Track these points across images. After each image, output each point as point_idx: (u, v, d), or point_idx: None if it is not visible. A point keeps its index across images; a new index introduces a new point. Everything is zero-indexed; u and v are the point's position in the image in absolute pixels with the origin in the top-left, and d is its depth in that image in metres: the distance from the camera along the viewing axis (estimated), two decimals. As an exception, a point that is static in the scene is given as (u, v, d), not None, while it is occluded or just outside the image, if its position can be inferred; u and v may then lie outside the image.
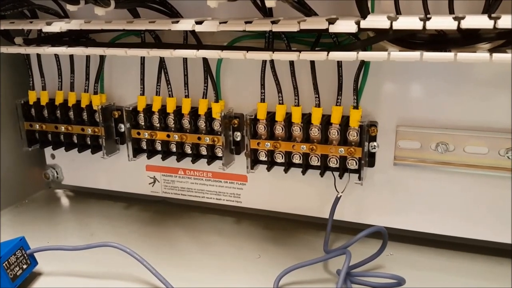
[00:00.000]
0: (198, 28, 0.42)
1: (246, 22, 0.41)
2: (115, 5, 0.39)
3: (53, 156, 0.65)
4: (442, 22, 0.35)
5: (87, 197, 0.67)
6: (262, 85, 0.49)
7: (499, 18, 0.34)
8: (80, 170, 0.65)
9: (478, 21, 0.34)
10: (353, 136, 0.46)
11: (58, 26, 0.46)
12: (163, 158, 0.56)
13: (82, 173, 0.65)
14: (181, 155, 0.55)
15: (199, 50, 0.44)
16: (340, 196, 0.48)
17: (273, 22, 0.41)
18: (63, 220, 0.61)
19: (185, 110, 0.53)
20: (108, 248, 0.45)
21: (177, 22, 0.43)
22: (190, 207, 0.61)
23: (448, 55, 0.36)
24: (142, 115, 0.54)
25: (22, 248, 0.46)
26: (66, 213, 0.64)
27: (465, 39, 0.38)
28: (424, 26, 0.35)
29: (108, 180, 0.64)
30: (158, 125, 0.54)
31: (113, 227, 0.58)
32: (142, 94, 0.55)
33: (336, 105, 0.47)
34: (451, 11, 0.41)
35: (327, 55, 0.39)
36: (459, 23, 0.34)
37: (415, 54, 0.37)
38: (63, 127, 0.58)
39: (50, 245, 0.48)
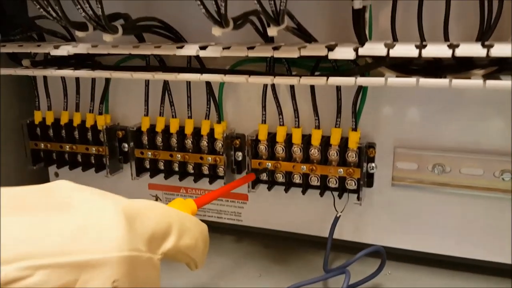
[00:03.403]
0: (202, 54, 0.43)
1: (248, 48, 0.43)
2: (122, 32, 0.40)
3: (56, 174, 0.66)
4: (437, 50, 0.36)
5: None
6: (263, 107, 0.51)
7: (492, 46, 0.35)
8: (83, 188, 0.65)
9: (472, 50, 0.35)
10: (352, 157, 0.47)
11: (65, 50, 0.48)
12: (166, 177, 0.57)
13: (85, 191, 0.65)
14: (183, 174, 0.56)
15: (203, 74, 0.45)
16: (340, 215, 0.49)
17: (274, 48, 0.42)
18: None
19: (188, 130, 0.54)
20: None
21: (182, 47, 0.45)
22: (191, 226, 0.62)
23: (443, 82, 0.37)
24: (146, 135, 0.56)
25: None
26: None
27: (460, 66, 0.40)
28: (420, 53, 0.36)
29: (110, 198, 0.65)
30: (161, 145, 0.55)
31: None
32: (146, 114, 0.56)
33: (335, 127, 0.48)
34: (446, 37, 0.42)
35: (327, 80, 0.41)
36: (453, 52, 0.36)
37: (411, 81, 0.38)
38: (67, 147, 0.59)
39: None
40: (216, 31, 0.35)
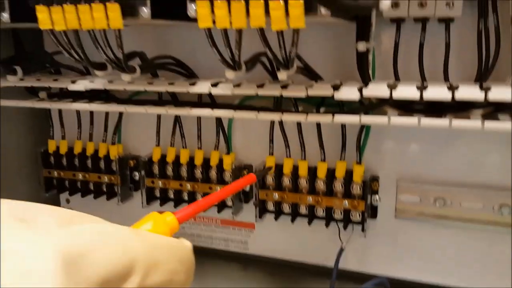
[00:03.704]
0: (214, 91, 0.45)
1: (258, 86, 0.45)
2: (140, 72, 0.43)
3: (68, 201, 0.68)
4: (437, 93, 0.38)
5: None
6: (271, 140, 0.53)
7: (489, 89, 0.37)
8: (93, 215, 0.67)
9: (470, 93, 0.37)
10: (356, 190, 0.49)
11: (82, 85, 0.50)
12: (175, 206, 0.59)
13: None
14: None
15: (214, 110, 0.48)
16: (344, 246, 0.51)
17: (282, 87, 0.44)
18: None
19: (198, 161, 0.56)
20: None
21: (194, 84, 0.47)
22: (198, 253, 0.63)
23: (443, 122, 0.39)
24: (157, 165, 0.58)
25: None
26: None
27: (460, 106, 0.42)
28: (421, 96, 0.39)
29: (120, 224, 0.66)
30: (171, 174, 0.57)
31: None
32: (158, 145, 0.58)
33: (341, 160, 0.50)
34: (446, 77, 0.45)
35: (333, 118, 0.43)
36: (453, 95, 0.38)
37: (413, 120, 0.40)
38: (80, 175, 0.61)
39: None
40: (230, 74, 0.37)
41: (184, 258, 0.26)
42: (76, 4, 0.36)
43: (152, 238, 0.25)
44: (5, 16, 0.42)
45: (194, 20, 0.35)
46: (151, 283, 0.23)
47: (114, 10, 0.35)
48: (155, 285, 0.24)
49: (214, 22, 0.34)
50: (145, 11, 0.36)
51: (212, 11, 0.33)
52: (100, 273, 0.21)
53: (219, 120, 0.55)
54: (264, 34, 0.34)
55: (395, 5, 0.41)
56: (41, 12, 0.38)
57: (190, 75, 0.53)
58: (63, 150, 0.62)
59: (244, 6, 0.32)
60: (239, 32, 0.34)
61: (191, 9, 0.34)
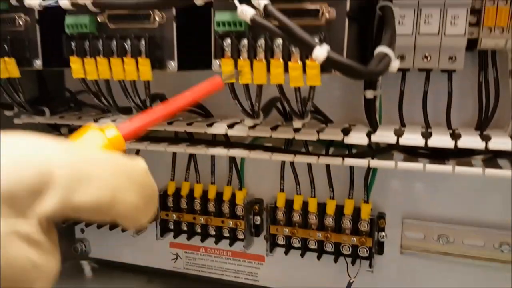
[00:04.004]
0: (230, 133, 0.48)
1: (272, 129, 0.48)
2: (162, 116, 0.45)
3: (82, 231, 0.70)
4: (441, 141, 0.41)
5: (111, 269, 0.71)
6: (282, 177, 0.56)
7: (489, 139, 0.40)
8: (108, 244, 0.69)
9: (472, 143, 0.40)
10: (364, 227, 0.52)
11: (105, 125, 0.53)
12: (188, 238, 0.61)
13: (109, 247, 0.69)
14: (205, 236, 0.60)
15: (230, 150, 0.50)
16: (352, 281, 0.53)
17: (295, 129, 0.47)
18: (90, 292, 0.65)
19: (211, 195, 0.59)
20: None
21: (211, 125, 0.50)
22: (209, 284, 0.66)
23: (447, 168, 0.42)
24: (171, 198, 0.60)
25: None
26: (91, 284, 0.68)
27: (462, 152, 0.45)
28: (426, 143, 0.41)
29: (132, 254, 0.68)
30: (185, 208, 0.60)
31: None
32: (172, 179, 0.61)
33: (349, 198, 0.53)
34: (449, 125, 0.47)
35: (343, 161, 0.46)
36: (455, 143, 0.41)
37: (418, 166, 0.43)
38: (97, 207, 0.64)
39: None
40: (249, 122, 0.40)
41: (132, 175, 0.22)
42: (108, 57, 0.39)
43: (79, 150, 0.21)
44: (38, 63, 0.45)
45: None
46: (82, 200, 0.20)
47: (145, 64, 0.38)
48: (90, 202, 0.20)
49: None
50: (173, 64, 0.39)
51: (236, 68, 0.36)
52: None
53: (232, 158, 0.57)
54: (283, 89, 0.37)
55: (401, 57, 0.44)
56: (75, 62, 0.41)
57: (207, 115, 0.56)
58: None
59: (265, 65, 0.35)
60: (260, 87, 0.37)
61: (215, 65, 0.37)
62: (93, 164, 0.20)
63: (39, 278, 0.19)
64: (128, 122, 0.23)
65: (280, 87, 0.37)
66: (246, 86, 0.38)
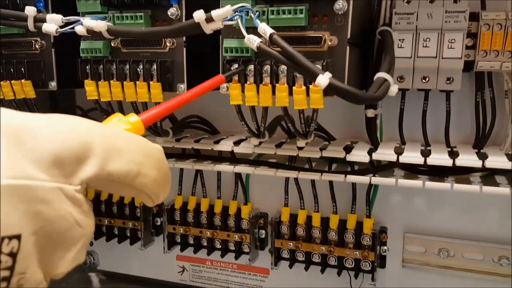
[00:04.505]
0: (236, 150, 0.50)
1: (276, 146, 0.50)
2: (172, 134, 0.47)
3: (91, 243, 0.72)
4: (439, 160, 0.43)
5: (118, 282, 0.72)
6: (286, 192, 0.57)
7: (486, 157, 0.42)
8: (115, 257, 0.71)
9: (469, 161, 0.42)
10: (366, 241, 0.53)
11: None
12: (195, 252, 0.62)
13: (117, 260, 0.71)
14: (211, 249, 0.62)
15: (236, 167, 0.52)
16: (355, 294, 0.54)
17: (299, 148, 0.49)
18: (98, 304, 0.67)
19: (217, 209, 0.60)
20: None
21: (218, 142, 0.52)
22: (215, 295, 0.67)
23: (445, 186, 0.44)
24: (178, 212, 0.62)
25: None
26: (100, 297, 0.69)
27: (460, 170, 0.46)
28: (425, 161, 0.43)
29: (140, 267, 0.70)
30: (192, 221, 0.62)
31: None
32: (180, 194, 0.62)
33: (351, 213, 0.54)
34: (447, 142, 0.49)
35: (345, 178, 0.47)
36: (454, 162, 0.42)
37: (418, 183, 0.45)
38: (106, 221, 0.66)
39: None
40: (254, 141, 0.42)
41: (152, 153, 0.25)
42: (122, 81, 0.41)
43: (111, 128, 0.25)
44: (53, 84, 0.47)
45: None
46: (115, 169, 0.22)
47: (156, 88, 0.40)
48: (120, 172, 0.23)
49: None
50: (182, 87, 0.41)
51: (242, 91, 0.38)
52: (49, 152, 0.20)
53: (238, 173, 0.59)
54: (287, 111, 0.39)
55: (400, 78, 0.46)
56: (89, 85, 0.43)
57: (213, 132, 0.58)
58: (90, 196, 0.66)
59: (270, 89, 0.37)
60: (265, 109, 0.39)
61: (223, 88, 0.39)
62: (123, 140, 0.23)
63: (82, 236, 0.22)
64: (146, 111, 0.28)
65: (284, 109, 0.39)
66: (253, 108, 0.40)
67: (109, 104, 0.45)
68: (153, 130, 0.45)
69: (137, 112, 0.45)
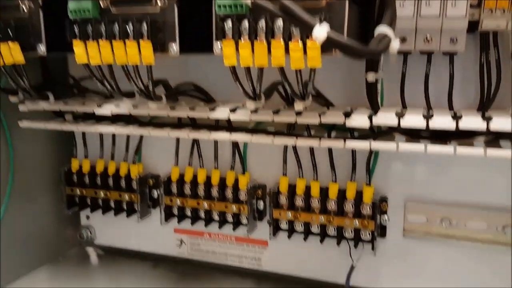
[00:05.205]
0: (233, 117, 0.49)
1: (274, 112, 0.48)
2: (165, 100, 0.46)
3: (87, 217, 0.71)
4: (442, 123, 0.41)
5: (116, 256, 0.72)
6: (284, 161, 0.56)
7: (491, 119, 0.40)
8: (113, 231, 0.70)
9: (473, 124, 0.40)
10: (366, 210, 0.52)
11: (109, 110, 0.53)
12: (192, 223, 0.61)
13: (114, 234, 0.70)
14: (209, 221, 0.61)
15: (232, 134, 0.51)
16: (355, 264, 0.53)
17: (297, 113, 0.47)
18: (96, 278, 0.66)
19: (214, 180, 0.59)
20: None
21: (214, 109, 0.50)
22: (213, 269, 0.66)
23: (448, 149, 0.42)
24: (175, 184, 0.61)
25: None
26: (97, 271, 0.69)
27: (464, 134, 0.45)
28: (427, 125, 0.42)
29: (138, 241, 0.69)
30: (189, 193, 0.60)
31: (142, 285, 0.63)
32: (176, 165, 0.61)
33: (351, 181, 0.53)
34: (450, 106, 0.48)
35: (344, 144, 0.46)
36: (457, 124, 0.41)
37: (420, 147, 0.43)
38: (102, 193, 0.64)
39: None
40: (250, 105, 0.41)
41: None
42: (111, 41, 0.39)
43: None
44: (42, 48, 0.46)
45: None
46: None
47: (147, 46, 0.39)
48: None
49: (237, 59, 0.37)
50: (174, 48, 0.39)
51: (237, 50, 0.37)
52: None
53: (235, 142, 0.58)
54: (284, 71, 0.37)
55: (402, 39, 0.44)
56: (78, 46, 0.41)
57: (209, 100, 0.56)
58: (86, 169, 0.65)
59: (266, 47, 0.35)
60: (261, 69, 0.38)
61: (217, 47, 0.38)
62: None
63: None
64: None
65: (281, 70, 0.38)
66: (248, 69, 0.38)
67: (100, 69, 0.44)
68: (145, 95, 0.43)
69: (129, 77, 0.43)
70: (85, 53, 0.41)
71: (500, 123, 0.40)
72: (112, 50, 0.40)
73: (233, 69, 0.38)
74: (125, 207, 0.65)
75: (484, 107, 0.46)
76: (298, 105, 0.40)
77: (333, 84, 0.53)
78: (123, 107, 0.54)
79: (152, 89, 0.42)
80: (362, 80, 0.46)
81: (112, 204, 0.65)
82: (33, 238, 0.67)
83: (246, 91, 0.39)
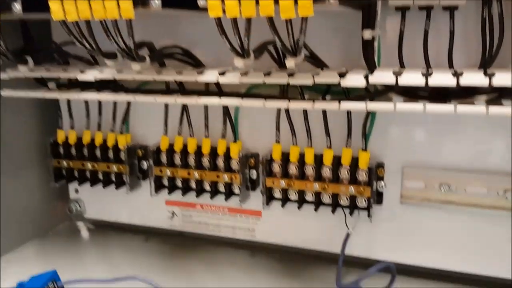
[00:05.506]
0: (222, 80, 0.46)
1: (265, 74, 0.46)
2: (149, 61, 0.43)
3: (76, 191, 0.69)
4: (442, 79, 0.39)
5: (107, 230, 0.70)
6: (277, 128, 0.54)
7: (493, 75, 0.38)
8: (102, 204, 0.68)
9: (475, 79, 0.38)
10: (362, 176, 0.50)
11: (92, 76, 0.51)
12: (183, 194, 0.60)
13: (104, 207, 0.68)
14: (200, 192, 0.59)
15: (222, 99, 0.48)
16: (351, 233, 0.52)
17: (289, 75, 0.45)
18: (86, 252, 0.65)
19: (205, 149, 0.57)
20: (133, 280, 0.48)
21: (202, 72, 0.48)
22: (206, 241, 0.65)
23: (448, 108, 0.40)
24: (165, 154, 0.59)
25: (54, 281, 0.49)
26: (88, 245, 0.67)
27: (464, 92, 0.42)
28: (426, 82, 0.39)
29: (128, 214, 0.67)
30: (179, 163, 0.58)
31: (134, 259, 0.61)
32: (165, 134, 0.59)
33: (346, 147, 0.51)
34: (450, 64, 0.45)
35: (339, 105, 0.44)
36: (457, 81, 0.38)
37: (418, 106, 0.41)
38: (89, 165, 0.62)
39: (79, 277, 0.51)
40: (238, 62, 0.38)
41: None
42: (88, -6, 0.37)
43: None
44: (18, 7, 0.43)
45: (203, 9, 0.35)
46: None
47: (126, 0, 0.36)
48: None
49: (223, 11, 0.34)
50: (156, 1, 0.37)
51: (222, 1, 0.34)
52: None
53: (226, 109, 0.55)
54: (273, 22, 0.35)
55: (400, -7, 0.42)
56: (54, 2, 0.38)
57: (197, 65, 0.54)
58: (72, 140, 0.63)
59: (253, -7, 0.33)
60: (248, 20, 0.35)
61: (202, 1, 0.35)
62: None
63: None
64: None
65: (270, 21, 0.35)
66: (234, 21, 0.35)
67: (78, 26, 0.41)
68: (127, 54, 0.41)
69: (108, 35, 0.40)
70: (61, 8, 0.39)
71: (503, 78, 0.37)
72: (90, 5, 0.37)
73: (218, 21, 0.36)
74: (114, 179, 0.63)
75: (486, 64, 0.43)
76: (290, 62, 0.38)
77: (328, 47, 0.51)
78: (107, 72, 0.51)
79: (134, 47, 0.39)
80: (358, 42, 0.44)
81: (101, 176, 0.63)
82: (21, 212, 0.65)
83: (234, 47, 0.37)
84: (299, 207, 0.54)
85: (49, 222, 0.70)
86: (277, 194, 0.55)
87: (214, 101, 0.49)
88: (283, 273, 0.57)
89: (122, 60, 0.45)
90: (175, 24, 0.57)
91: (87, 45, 0.41)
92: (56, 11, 0.39)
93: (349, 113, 0.50)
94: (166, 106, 0.58)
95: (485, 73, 0.39)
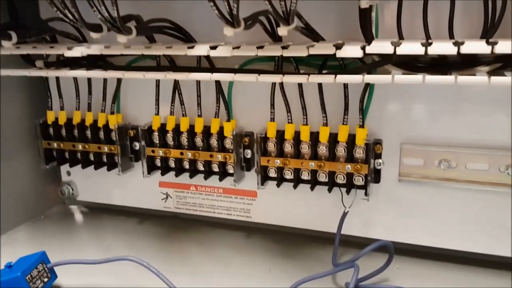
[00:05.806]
0: (212, 54, 0.44)
1: (258, 47, 0.44)
2: (136, 33, 0.41)
3: (68, 173, 0.68)
4: (443, 48, 0.37)
5: (101, 213, 0.69)
6: (272, 105, 0.52)
7: (496, 43, 0.36)
8: (95, 186, 0.67)
9: (477, 47, 0.36)
10: (359, 153, 0.48)
11: (79, 51, 0.49)
12: (177, 175, 0.58)
13: (96, 189, 0.67)
14: (194, 172, 0.58)
15: (214, 74, 0.47)
16: (347, 211, 0.50)
17: (283, 47, 0.43)
18: (79, 235, 0.63)
19: (198, 129, 0.55)
20: (125, 262, 0.47)
21: (193, 47, 0.46)
22: (201, 222, 0.63)
23: (449, 79, 0.38)
24: (157, 134, 0.57)
25: (43, 262, 0.48)
26: (81, 228, 0.66)
27: (465, 62, 0.41)
28: (425, 51, 0.37)
29: (122, 196, 0.66)
30: (172, 143, 0.57)
31: (127, 241, 0.60)
32: (157, 114, 0.57)
33: (343, 124, 0.49)
34: (451, 35, 0.43)
35: (335, 78, 0.42)
36: (458, 49, 0.36)
37: (417, 78, 0.39)
38: (80, 146, 0.61)
39: (70, 259, 0.50)
40: (228, 31, 0.36)
41: None
42: (68, -40, 0.35)
43: None
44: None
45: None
46: None
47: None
48: None
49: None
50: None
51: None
52: None
53: (219, 86, 0.54)
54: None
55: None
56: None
57: (188, 40, 0.52)
58: (62, 121, 0.61)
59: (241, -45, 0.31)
60: (237, -16, 0.33)
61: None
62: None
63: None
64: None
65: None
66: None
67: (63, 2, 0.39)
68: (111, 25, 0.39)
69: (91, 4, 0.38)
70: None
71: (506, 46, 0.36)
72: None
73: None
74: (105, 160, 0.61)
75: (487, 34, 0.41)
76: (283, 30, 0.36)
77: (324, 19, 0.48)
78: (95, 48, 0.49)
79: (118, 15, 0.38)
80: (355, 15, 0.42)
81: (92, 158, 0.62)
82: (13, 196, 0.63)
83: (222, 13, 0.35)
84: (295, 187, 0.52)
85: (42, 205, 0.69)
86: (272, 173, 0.53)
87: (205, 76, 0.47)
88: (279, 254, 0.55)
89: (108, 35, 0.43)
90: (168, 4, 0.54)
91: (70, 16, 0.39)
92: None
93: (346, 88, 0.48)
94: (158, 84, 0.57)
95: (487, 42, 0.37)
